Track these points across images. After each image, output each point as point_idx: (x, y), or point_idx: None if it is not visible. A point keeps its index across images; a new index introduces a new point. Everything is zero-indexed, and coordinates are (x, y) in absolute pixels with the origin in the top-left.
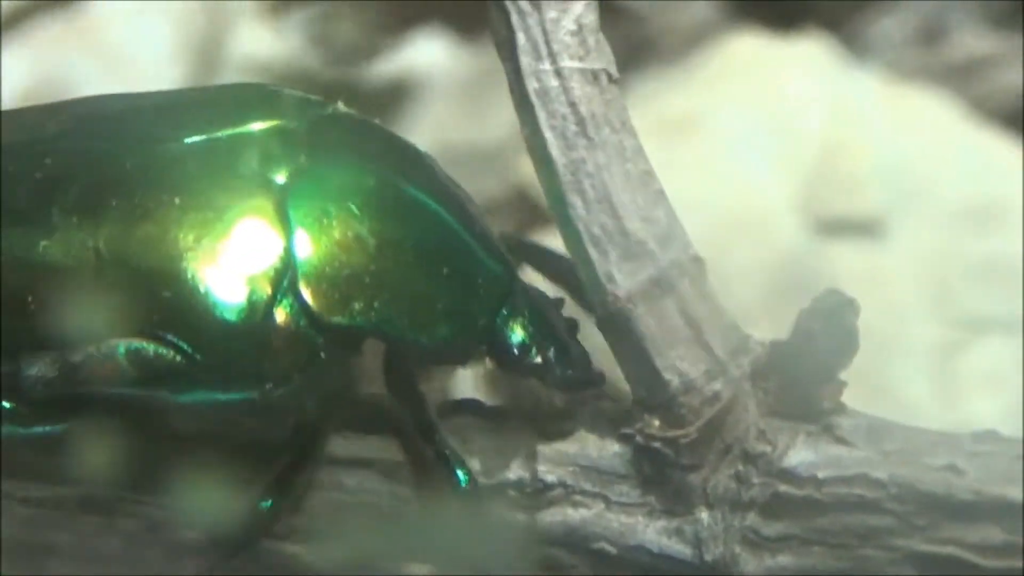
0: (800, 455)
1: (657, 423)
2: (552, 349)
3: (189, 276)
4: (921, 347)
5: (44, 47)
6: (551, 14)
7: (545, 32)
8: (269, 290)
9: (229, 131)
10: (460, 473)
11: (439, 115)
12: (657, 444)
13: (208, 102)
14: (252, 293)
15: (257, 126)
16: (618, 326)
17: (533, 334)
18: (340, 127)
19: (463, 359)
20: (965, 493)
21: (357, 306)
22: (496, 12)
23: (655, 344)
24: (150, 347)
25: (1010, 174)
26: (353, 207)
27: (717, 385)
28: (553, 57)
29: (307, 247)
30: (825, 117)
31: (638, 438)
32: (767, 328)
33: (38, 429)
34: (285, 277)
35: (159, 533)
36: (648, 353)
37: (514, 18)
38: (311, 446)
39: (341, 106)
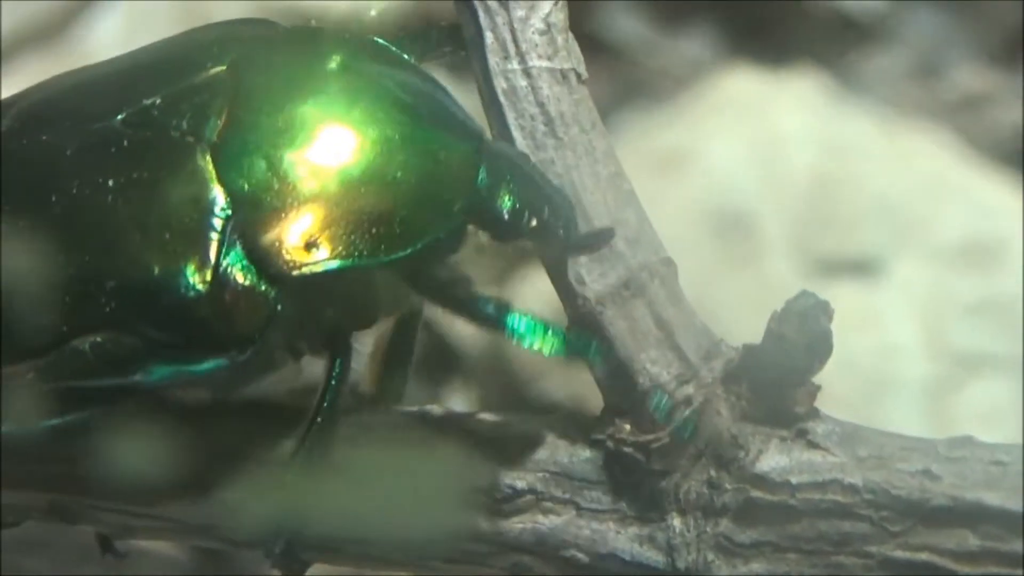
0: (773, 460)
1: (628, 428)
2: (547, 209)
3: (132, 259)
4: (916, 385)
5: (36, 80)
6: (519, 12)
7: (513, 31)
8: (211, 255)
9: (161, 95)
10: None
11: None
12: (628, 449)
13: (153, 62)
14: (194, 261)
15: (188, 81)
16: (588, 329)
17: (521, 197)
18: (264, 55)
19: (453, 247)
20: (940, 498)
21: (309, 251)
22: (463, 11)
23: (625, 347)
24: (112, 338)
25: (1005, 212)
26: (284, 145)
27: (689, 389)
28: (521, 56)
29: (245, 200)
30: (819, 154)
31: (609, 443)
32: None
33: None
34: (226, 237)
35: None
36: (619, 357)
37: (482, 17)
38: (324, 398)
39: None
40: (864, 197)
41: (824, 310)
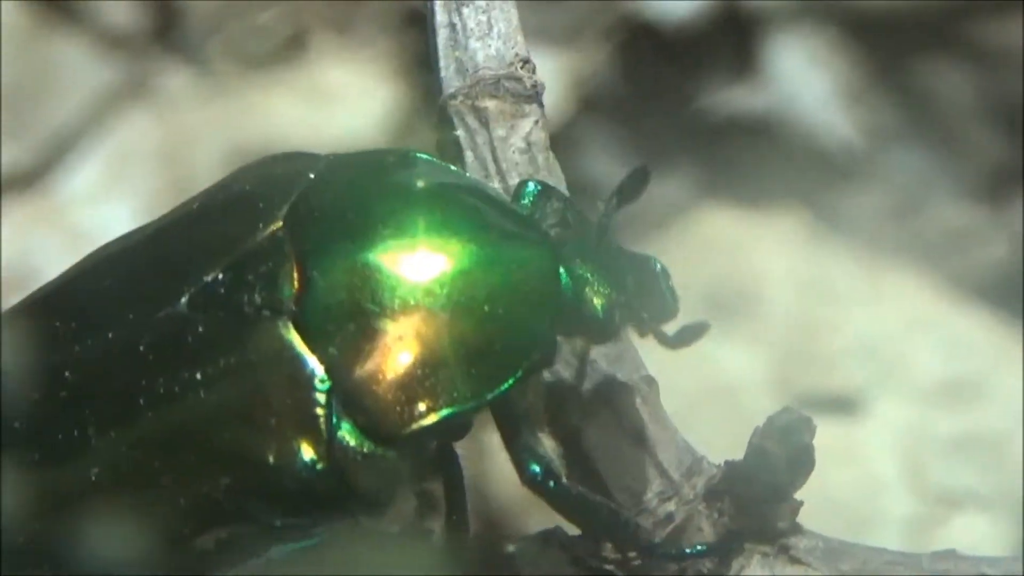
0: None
1: (610, 546)
2: (638, 301)
3: (242, 453)
4: (898, 522)
5: (10, 230)
6: (499, 132)
7: (493, 150)
8: (323, 431)
9: (222, 268)
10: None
11: None
12: (610, 567)
13: (198, 229)
14: (307, 442)
15: (245, 247)
16: (569, 448)
17: (609, 294)
18: (318, 199)
19: (547, 365)
20: None
21: (418, 404)
22: (444, 130)
23: (606, 465)
24: (236, 531)
25: (986, 349)
26: (368, 299)
27: (670, 506)
28: (502, 175)
29: (340, 366)
30: (799, 292)
31: (591, 562)
32: None
33: None
34: (331, 411)
35: None
36: (600, 475)
37: (462, 135)
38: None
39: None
40: (844, 335)
41: (806, 425)
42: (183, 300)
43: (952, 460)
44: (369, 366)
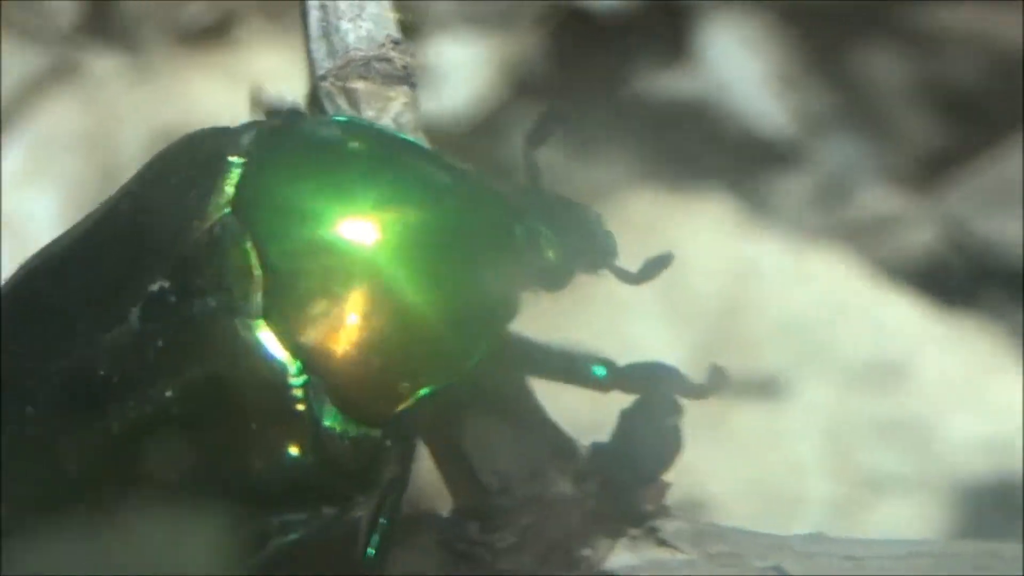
0: (621, 558)
1: (476, 528)
2: (582, 241)
3: (229, 464)
4: (821, 505)
5: None
6: (369, 113)
7: None
8: (307, 425)
9: (168, 272)
10: None
11: None
12: (476, 549)
13: (131, 227)
14: (293, 439)
15: (190, 241)
16: (436, 429)
17: (559, 241)
18: (263, 179)
19: (512, 316)
20: None
21: (401, 385)
22: (314, 111)
23: (475, 446)
24: (234, 534)
25: (911, 333)
26: (338, 282)
27: (537, 488)
28: None
29: (314, 356)
30: (725, 276)
31: (457, 544)
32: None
33: None
34: (310, 402)
35: None
36: (466, 456)
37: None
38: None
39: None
40: (770, 319)
41: (673, 408)
42: (134, 314)
43: (876, 444)
44: (346, 353)
